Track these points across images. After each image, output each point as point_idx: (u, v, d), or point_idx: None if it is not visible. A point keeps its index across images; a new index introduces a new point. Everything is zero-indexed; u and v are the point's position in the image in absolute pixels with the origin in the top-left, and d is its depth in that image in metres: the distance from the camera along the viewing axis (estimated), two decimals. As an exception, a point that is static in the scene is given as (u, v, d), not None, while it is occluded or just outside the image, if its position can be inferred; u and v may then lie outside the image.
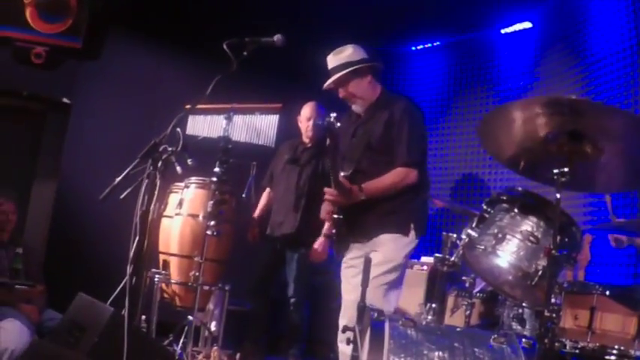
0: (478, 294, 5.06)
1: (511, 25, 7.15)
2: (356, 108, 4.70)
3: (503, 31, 7.23)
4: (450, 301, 5.36)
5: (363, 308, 3.37)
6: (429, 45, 7.92)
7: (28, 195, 7.41)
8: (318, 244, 5.71)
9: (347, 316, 4.44)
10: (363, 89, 4.63)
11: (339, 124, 4.12)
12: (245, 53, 3.98)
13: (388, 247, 4.44)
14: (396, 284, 4.45)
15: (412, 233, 4.48)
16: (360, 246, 4.57)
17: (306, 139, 6.27)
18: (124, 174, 3.72)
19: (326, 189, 4.45)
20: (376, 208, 4.45)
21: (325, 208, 4.64)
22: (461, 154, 7.29)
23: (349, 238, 4.62)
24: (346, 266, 4.67)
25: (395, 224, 4.48)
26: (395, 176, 4.46)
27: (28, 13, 6.88)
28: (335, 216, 4.49)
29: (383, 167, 4.48)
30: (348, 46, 4.64)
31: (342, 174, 4.45)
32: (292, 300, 6.12)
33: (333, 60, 4.65)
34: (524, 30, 7.05)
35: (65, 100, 7.45)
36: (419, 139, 4.58)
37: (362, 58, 4.63)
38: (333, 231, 4.66)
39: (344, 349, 4.20)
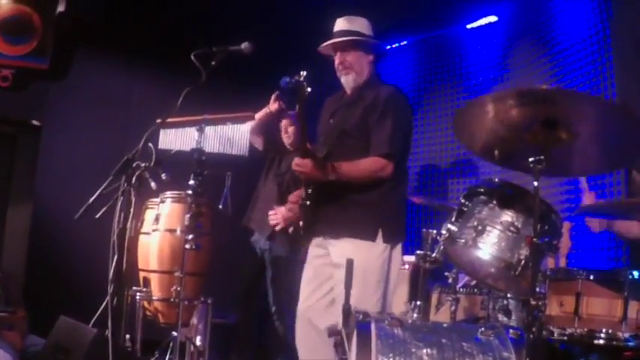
0: (461, 289, 5.06)
1: (477, 19, 7.16)
2: (345, 81, 4.49)
3: (469, 26, 7.24)
4: (434, 298, 5.36)
5: (348, 310, 3.35)
6: (396, 45, 7.91)
7: (3, 219, 7.36)
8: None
9: (301, 321, 4.34)
10: (360, 65, 4.44)
11: (309, 88, 3.86)
12: (213, 63, 3.97)
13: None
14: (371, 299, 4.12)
15: (380, 240, 4.17)
16: (322, 243, 4.33)
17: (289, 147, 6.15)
18: (97, 192, 3.70)
19: (296, 158, 4.20)
20: (344, 198, 4.23)
21: (294, 196, 4.51)
22: (435, 151, 7.28)
23: (313, 229, 4.34)
24: (308, 267, 4.45)
25: (360, 223, 4.19)
26: (371, 164, 4.20)
27: (-8, 36, 6.85)
28: (302, 202, 4.28)
29: (358, 153, 4.25)
30: (362, 18, 4.50)
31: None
32: (273, 308, 6.08)
33: (344, 24, 4.49)
34: (491, 24, 7.06)
35: (35, 122, 7.40)
36: (403, 130, 4.35)
37: (372, 35, 4.50)
38: (301, 221, 4.34)
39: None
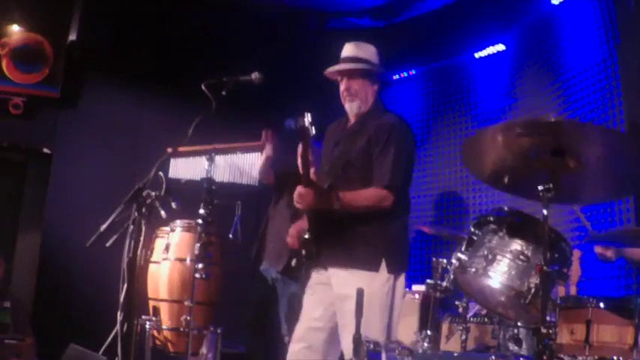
0: (472, 318, 5.04)
1: (484, 48, 7.20)
2: (350, 108, 4.43)
3: (477, 55, 7.28)
4: (445, 327, 5.34)
5: (358, 340, 3.34)
6: (405, 74, 7.96)
7: (12, 247, 7.38)
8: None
9: (300, 344, 4.23)
10: (366, 93, 4.39)
11: (314, 131, 3.85)
12: (224, 93, 3.97)
13: (353, 292, 3.82)
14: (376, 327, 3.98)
15: (383, 270, 4.09)
16: (324, 273, 4.26)
17: None
18: (109, 221, 3.69)
19: (299, 187, 4.12)
20: (347, 230, 4.16)
21: (294, 229, 4.39)
22: (444, 180, 7.29)
23: (315, 263, 4.27)
24: (310, 292, 4.38)
25: (363, 254, 4.11)
26: (372, 195, 4.16)
27: (4, 64, 6.93)
28: (305, 236, 4.20)
29: (361, 184, 4.20)
30: (370, 45, 4.47)
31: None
32: (286, 339, 6.05)
33: (353, 49, 4.45)
34: (498, 53, 7.10)
35: (46, 149, 7.45)
36: (405, 162, 4.30)
37: (380, 65, 4.48)
38: (303, 252, 4.25)
39: None
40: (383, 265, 4.10)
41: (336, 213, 4.10)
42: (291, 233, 4.42)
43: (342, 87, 4.43)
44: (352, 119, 4.47)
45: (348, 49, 4.48)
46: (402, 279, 4.22)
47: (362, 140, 4.27)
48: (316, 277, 4.33)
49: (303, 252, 4.24)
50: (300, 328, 4.29)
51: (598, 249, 4.56)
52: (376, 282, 4.06)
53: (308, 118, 3.84)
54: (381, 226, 4.19)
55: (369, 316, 3.90)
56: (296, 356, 4.21)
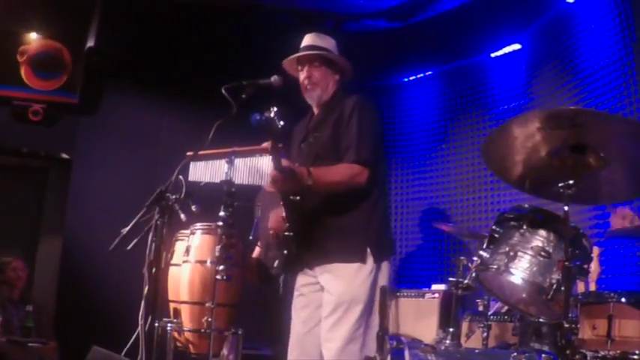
0: (492, 316, 5.05)
1: (501, 48, 7.21)
2: (310, 97, 4.41)
3: (493, 55, 7.29)
4: (465, 326, 5.34)
5: (382, 337, 3.37)
6: (421, 75, 7.98)
7: (34, 252, 7.46)
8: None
9: (295, 352, 4.24)
10: (325, 83, 4.36)
11: (282, 122, 3.74)
12: (244, 96, 3.98)
13: (340, 284, 4.04)
14: (357, 331, 3.98)
15: (370, 260, 4.07)
16: (310, 272, 4.26)
17: None
18: (132, 223, 3.72)
19: (271, 171, 4.03)
20: (329, 224, 4.14)
21: (274, 218, 4.31)
22: (462, 180, 7.31)
23: (299, 261, 4.26)
24: (297, 294, 4.38)
25: (348, 247, 4.09)
26: (345, 169, 4.08)
27: (23, 71, 7.01)
28: (286, 233, 4.15)
29: None
30: (332, 38, 4.45)
31: None
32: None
33: (314, 39, 4.43)
34: (514, 52, 7.12)
35: (65, 155, 7.51)
36: (370, 135, 4.18)
37: (341, 56, 4.42)
38: (285, 252, 4.21)
39: None
40: (368, 254, 4.07)
41: (311, 190, 4.02)
42: (271, 225, 4.33)
43: (301, 76, 4.39)
44: (315, 110, 4.44)
45: (308, 39, 4.45)
46: (385, 267, 4.17)
47: (327, 129, 4.24)
48: (302, 278, 4.33)
49: (285, 252, 4.20)
50: (292, 335, 4.29)
51: (614, 216, 4.53)
52: (362, 273, 4.05)
53: (274, 111, 3.77)
54: (363, 216, 4.16)
55: (352, 311, 3.94)
56: None
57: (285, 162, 3.92)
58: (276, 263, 4.44)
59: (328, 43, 4.43)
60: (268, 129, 3.73)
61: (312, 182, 3.94)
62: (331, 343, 3.95)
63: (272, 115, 3.70)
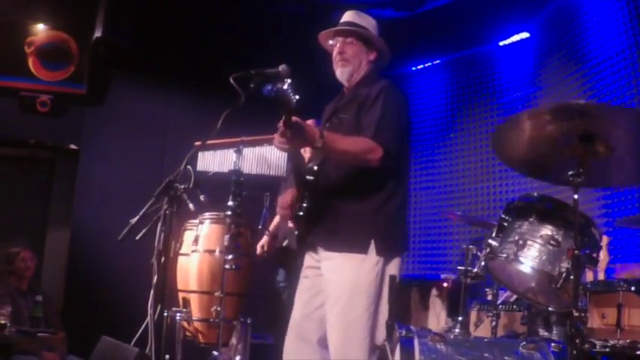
0: (501, 305, 5.05)
1: (509, 37, 7.20)
2: (340, 74, 4.19)
3: (501, 44, 7.28)
4: (473, 315, 5.35)
5: (391, 326, 3.36)
6: (429, 64, 7.97)
7: (42, 243, 7.48)
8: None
9: (292, 334, 4.07)
10: (358, 60, 4.16)
11: (296, 97, 3.42)
12: (252, 85, 3.95)
13: (340, 274, 3.84)
14: (361, 324, 3.79)
15: (373, 252, 3.83)
16: (315, 256, 4.07)
17: None
18: (140, 213, 3.71)
19: (280, 125, 3.67)
20: (337, 209, 3.93)
21: (284, 201, 4.10)
22: (471, 168, 7.31)
23: (306, 242, 4.07)
24: (302, 276, 4.19)
25: (351, 235, 3.87)
26: (359, 141, 3.82)
27: (30, 62, 7.01)
28: (299, 213, 3.97)
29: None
30: (374, 20, 4.26)
31: (308, 165, 4.02)
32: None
33: (353, 16, 4.24)
34: (522, 40, 7.10)
35: (73, 146, 7.52)
36: (392, 121, 3.94)
37: (379, 37, 4.23)
38: (296, 232, 4.05)
39: None
40: (372, 246, 3.86)
41: (321, 151, 3.82)
42: (281, 204, 4.15)
43: (334, 51, 4.22)
44: (346, 90, 4.28)
45: (347, 16, 4.28)
46: (395, 262, 3.98)
47: (352, 111, 4.04)
48: (308, 259, 4.15)
49: (296, 232, 4.07)
50: (293, 316, 4.13)
51: None
52: (365, 266, 3.86)
53: (288, 82, 3.49)
54: (376, 204, 3.95)
55: (354, 302, 3.87)
56: (290, 344, 4.14)
57: (295, 119, 3.65)
58: (284, 243, 4.37)
59: (367, 22, 4.26)
60: (280, 101, 3.47)
61: (321, 145, 3.71)
62: (333, 337, 3.90)
63: (285, 86, 3.44)
